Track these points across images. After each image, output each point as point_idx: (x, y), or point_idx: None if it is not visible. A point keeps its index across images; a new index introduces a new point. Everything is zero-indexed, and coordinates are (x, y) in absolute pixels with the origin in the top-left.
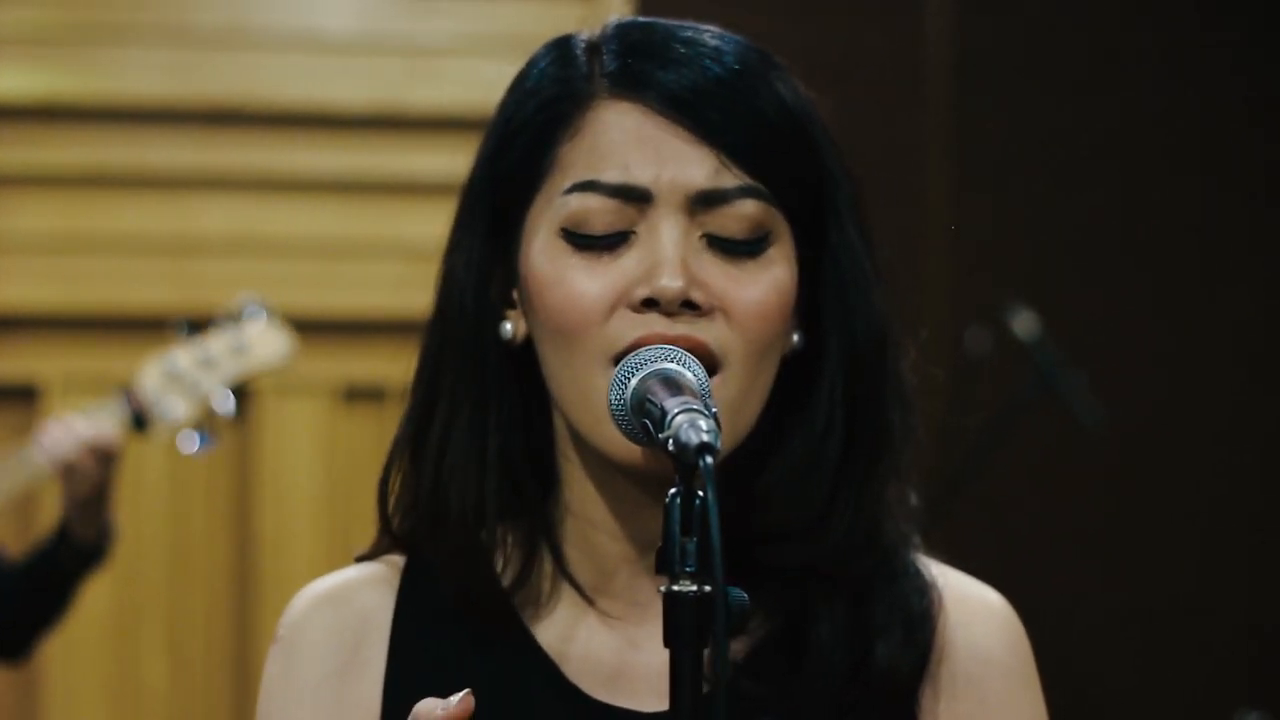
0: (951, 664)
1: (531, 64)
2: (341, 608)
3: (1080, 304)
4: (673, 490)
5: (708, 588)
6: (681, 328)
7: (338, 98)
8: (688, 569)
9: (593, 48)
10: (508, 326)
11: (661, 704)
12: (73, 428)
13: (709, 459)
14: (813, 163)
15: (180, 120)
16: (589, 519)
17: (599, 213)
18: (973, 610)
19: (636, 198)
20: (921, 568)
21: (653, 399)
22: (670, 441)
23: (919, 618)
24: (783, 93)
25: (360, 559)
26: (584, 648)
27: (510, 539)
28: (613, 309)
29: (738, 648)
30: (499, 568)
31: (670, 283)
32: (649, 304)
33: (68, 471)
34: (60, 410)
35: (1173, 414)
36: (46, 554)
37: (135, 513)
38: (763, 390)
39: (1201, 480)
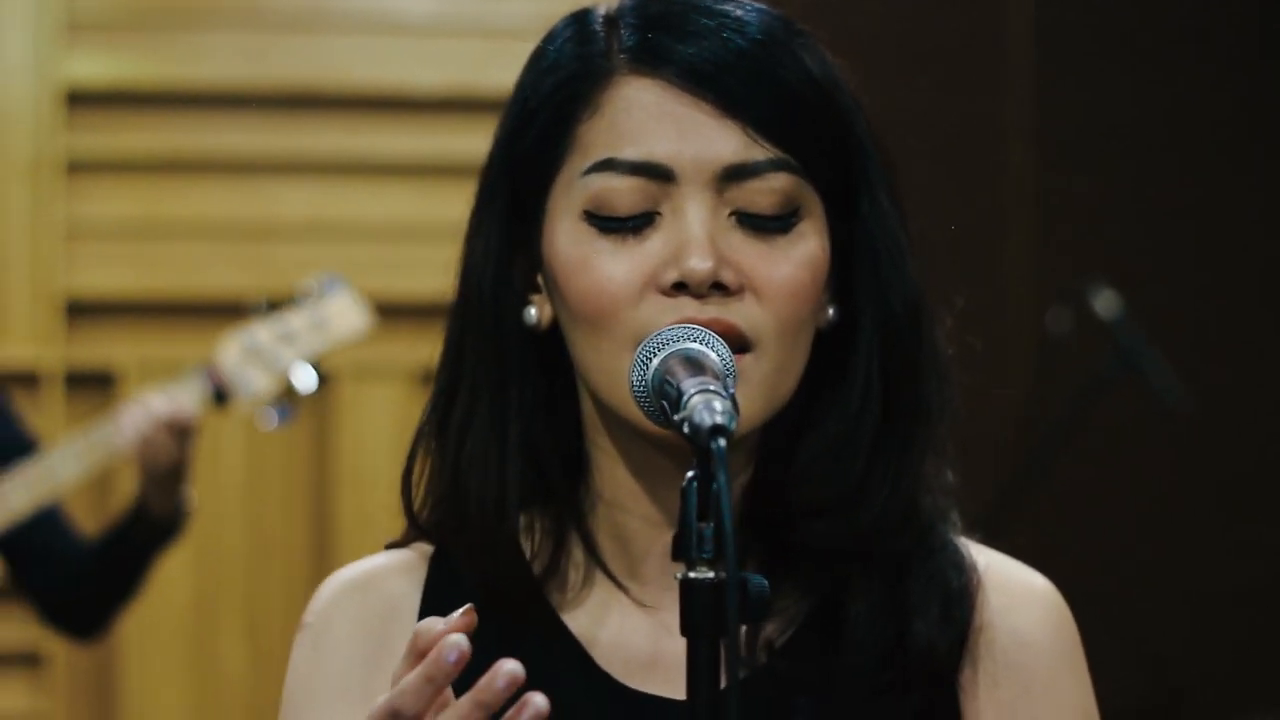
0: (994, 648)
1: (549, 40)
2: (369, 595)
3: (1163, 283)
4: (690, 474)
5: (712, 574)
6: (712, 310)
7: (414, 80)
8: (704, 555)
9: (611, 22)
10: (532, 312)
11: (678, 691)
12: (150, 404)
13: (722, 441)
14: (842, 133)
15: (256, 104)
16: (620, 504)
17: (621, 193)
18: (1016, 594)
19: (659, 176)
20: (960, 545)
21: (671, 379)
22: (685, 423)
23: (956, 595)
24: (808, 62)
25: (390, 546)
26: (616, 635)
27: (539, 527)
28: (641, 293)
29: (773, 628)
30: (528, 556)
31: (699, 264)
32: (679, 287)
33: (145, 447)
34: (139, 396)
35: (1254, 392)
36: (122, 530)
37: (214, 497)
38: (798, 366)
39: None
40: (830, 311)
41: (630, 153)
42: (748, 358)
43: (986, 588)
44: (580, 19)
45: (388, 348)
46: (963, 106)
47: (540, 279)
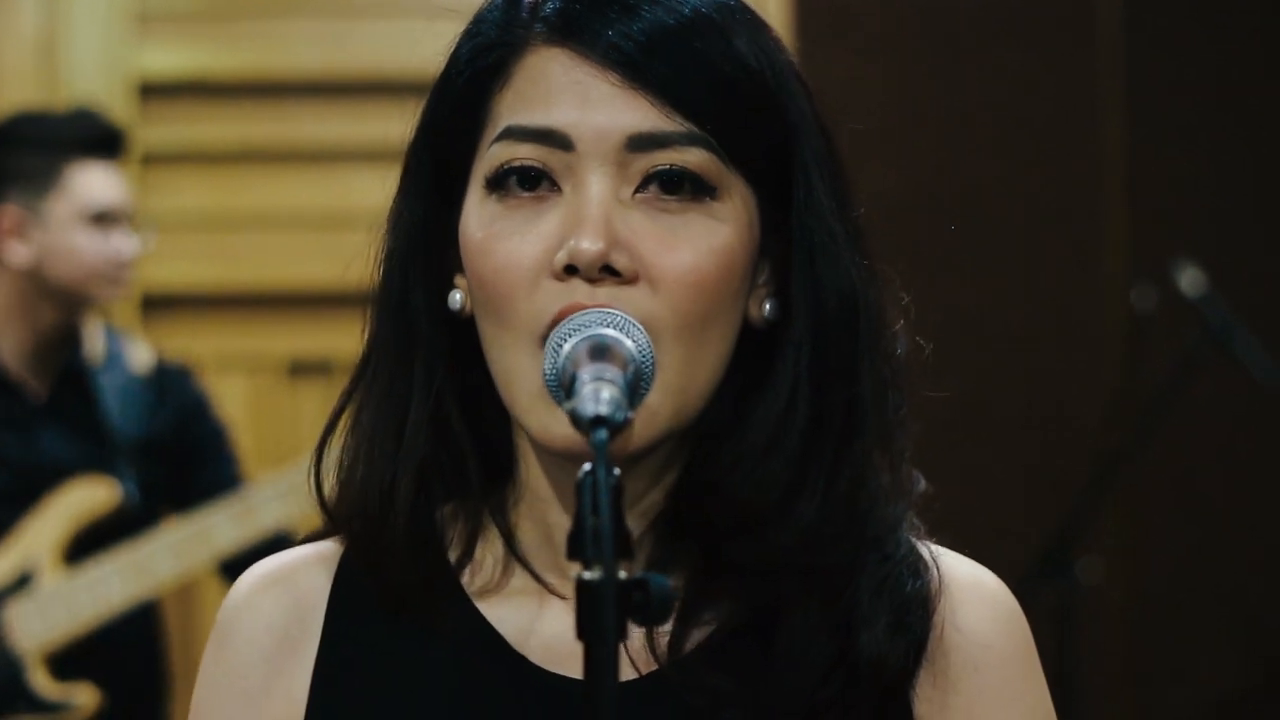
0: (949, 651)
1: (479, 13)
2: (279, 591)
3: (1252, 260)
4: (586, 467)
5: (623, 574)
6: (603, 297)
7: None
8: (599, 554)
9: None
10: (457, 296)
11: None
12: None
13: (603, 433)
14: (774, 118)
15: (333, 93)
16: (541, 495)
17: (520, 163)
18: (967, 594)
19: (558, 144)
20: (919, 549)
21: (571, 367)
22: (571, 413)
23: (912, 602)
24: (740, 46)
25: (307, 538)
26: (535, 623)
27: (458, 516)
28: (537, 278)
29: (700, 635)
30: (445, 546)
31: (589, 245)
32: (570, 270)
33: None
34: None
35: None
36: None
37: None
38: (711, 364)
39: None
40: (768, 306)
41: (529, 119)
42: None
43: (943, 590)
44: None
45: None
46: (1053, 82)
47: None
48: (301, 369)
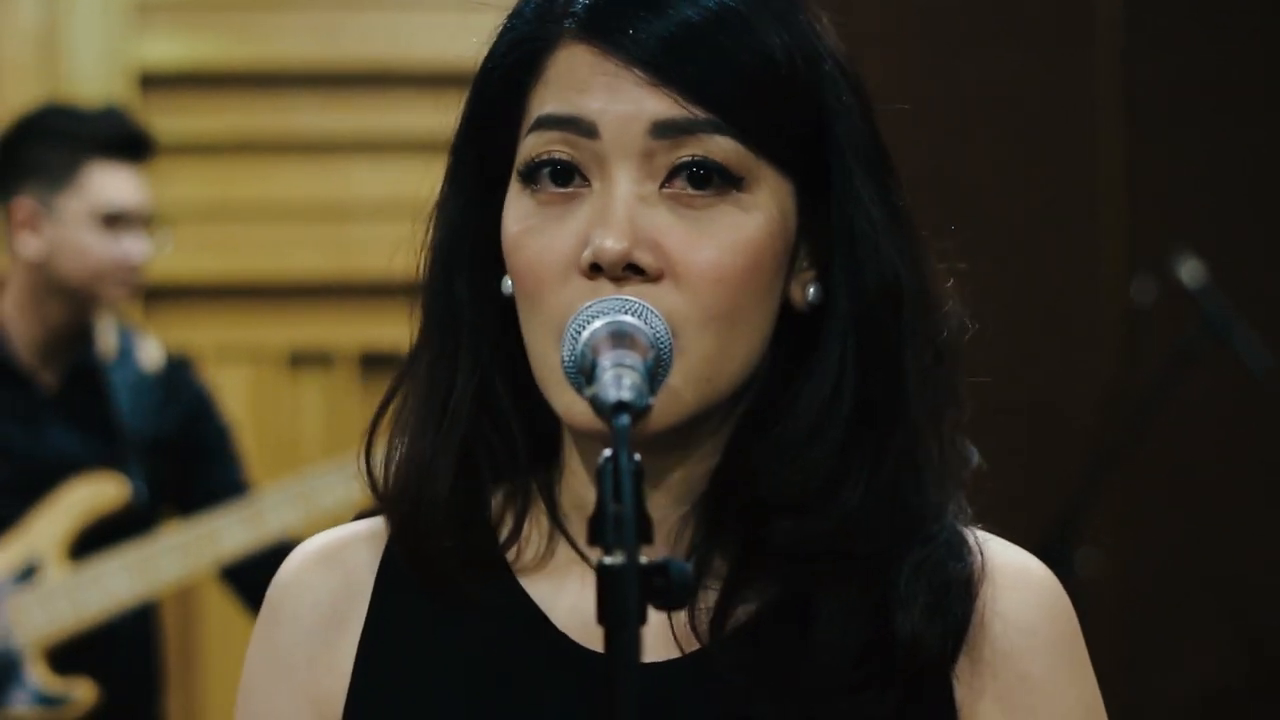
0: (991, 637)
1: (515, 7)
2: (331, 567)
3: (1251, 252)
4: (605, 453)
5: (644, 559)
6: (630, 295)
7: None
8: (620, 539)
9: None
10: (509, 283)
11: (655, 655)
12: None
13: (625, 419)
14: (807, 107)
15: (331, 83)
16: (579, 475)
17: (550, 152)
18: (1011, 580)
19: (584, 131)
20: (964, 534)
21: (591, 354)
22: (593, 399)
23: (953, 584)
24: (767, 38)
25: (359, 516)
26: (577, 600)
27: (510, 495)
28: (566, 274)
29: (741, 616)
30: (497, 524)
31: (612, 244)
32: (596, 269)
33: None
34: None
35: None
36: None
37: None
38: (743, 353)
39: None
40: (811, 291)
41: (556, 109)
42: (673, 346)
43: (986, 575)
44: None
45: None
46: (1051, 76)
47: None
48: (301, 359)
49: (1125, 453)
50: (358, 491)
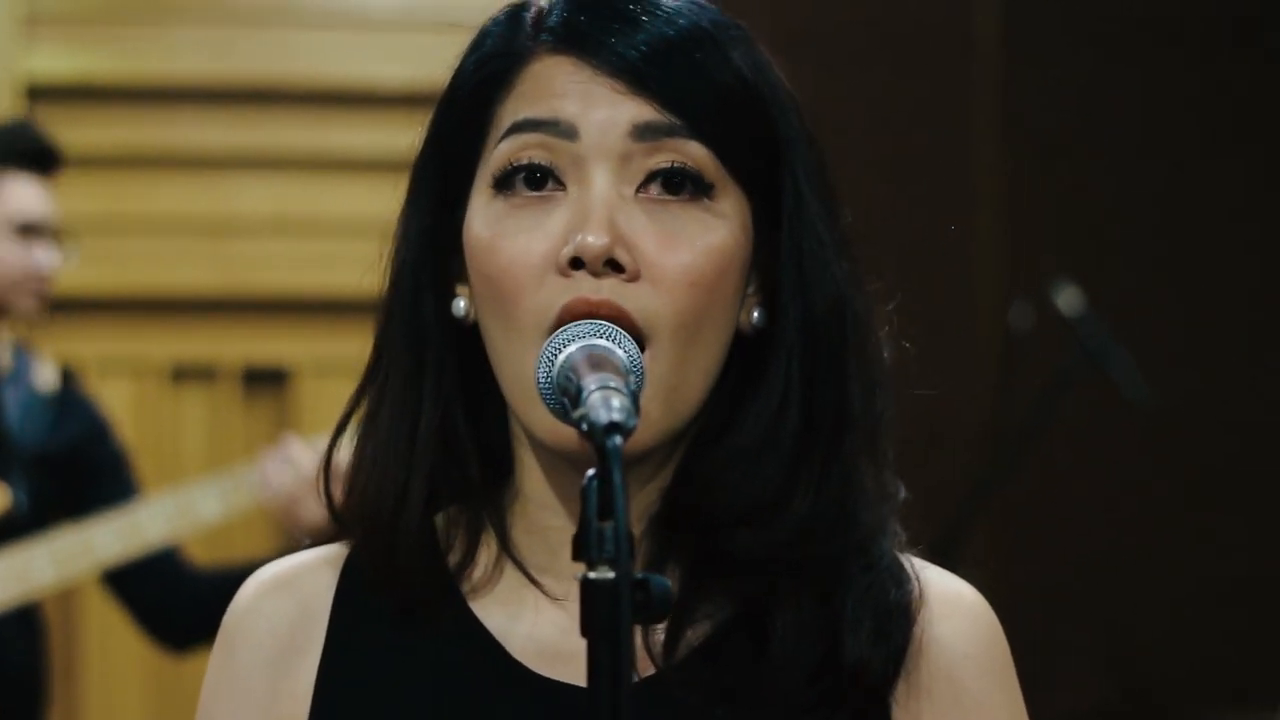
0: (928, 661)
1: (483, 27)
2: (288, 593)
3: (1128, 279)
4: (590, 472)
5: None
6: (607, 291)
7: (378, 75)
8: (604, 555)
9: (541, 8)
10: (461, 304)
11: None
12: (300, 462)
13: (618, 439)
14: (766, 128)
15: (220, 99)
16: (536, 499)
17: (525, 155)
18: (947, 607)
19: (563, 133)
20: (903, 560)
21: (573, 376)
22: (583, 420)
23: (894, 610)
24: (735, 58)
25: (315, 542)
26: (530, 627)
27: (459, 521)
28: (543, 275)
29: (693, 631)
30: (445, 550)
31: (595, 239)
32: (575, 264)
33: (289, 504)
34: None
35: (1220, 387)
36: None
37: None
38: (704, 367)
39: (1247, 456)
40: (756, 314)
41: (533, 113)
42: (644, 355)
43: (924, 602)
44: (517, 6)
45: (347, 344)
46: (929, 100)
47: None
48: (184, 374)
49: (1002, 479)
50: (236, 505)
